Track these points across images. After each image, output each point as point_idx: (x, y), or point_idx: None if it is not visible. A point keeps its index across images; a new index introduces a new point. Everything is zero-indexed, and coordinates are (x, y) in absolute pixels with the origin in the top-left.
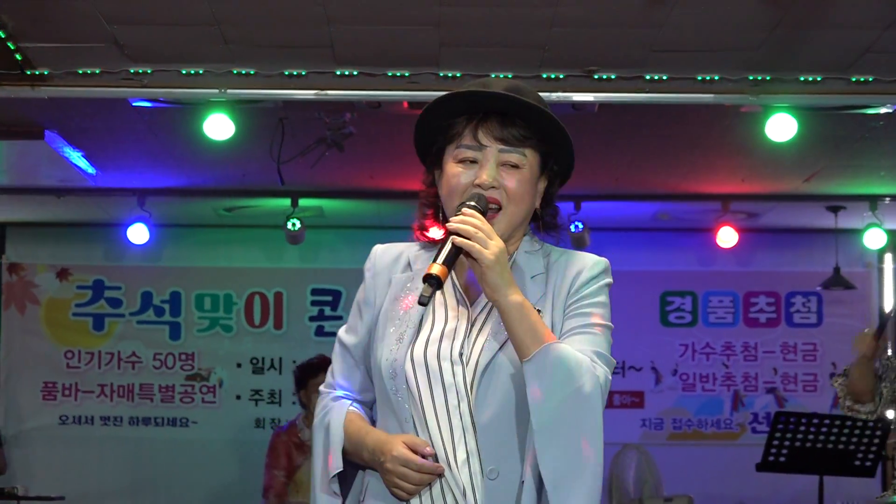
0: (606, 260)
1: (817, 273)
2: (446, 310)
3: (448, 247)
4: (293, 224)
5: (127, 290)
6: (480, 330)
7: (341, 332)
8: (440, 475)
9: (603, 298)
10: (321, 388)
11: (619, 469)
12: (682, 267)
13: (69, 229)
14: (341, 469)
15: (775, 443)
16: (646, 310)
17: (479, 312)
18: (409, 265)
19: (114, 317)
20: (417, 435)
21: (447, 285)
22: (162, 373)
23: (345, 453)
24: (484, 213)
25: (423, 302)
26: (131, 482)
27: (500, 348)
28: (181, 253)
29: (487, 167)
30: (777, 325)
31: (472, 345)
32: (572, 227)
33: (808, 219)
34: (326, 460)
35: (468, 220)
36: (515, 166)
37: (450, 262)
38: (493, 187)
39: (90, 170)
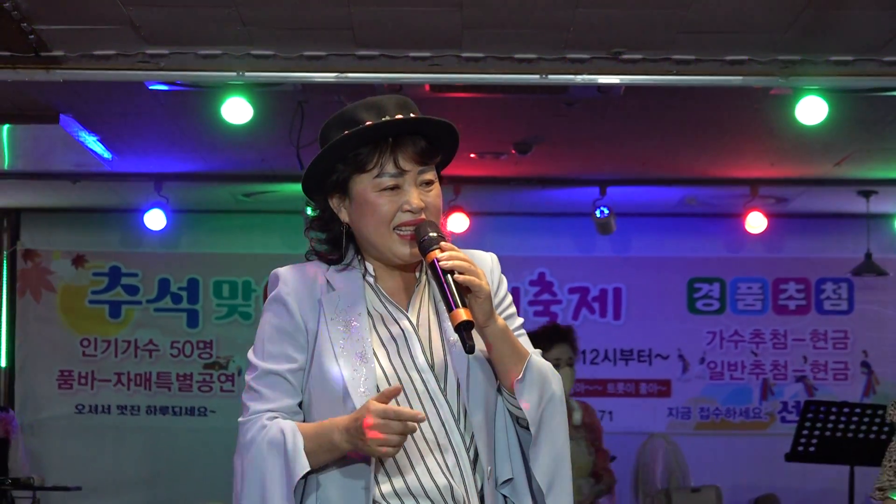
0: (495, 254)
1: (848, 259)
2: (386, 323)
3: (453, 287)
4: (313, 210)
5: (144, 277)
6: (430, 334)
7: (260, 362)
8: (420, 420)
9: (510, 295)
10: (241, 419)
11: (646, 459)
12: (709, 253)
13: (85, 215)
14: (309, 468)
15: (805, 432)
16: (673, 297)
17: (418, 316)
18: (329, 285)
19: (130, 304)
20: (402, 448)
21: (374, 297)
22: (179, 361)
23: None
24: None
25: (471, 350)
26: (149, 472)
27: (468, 355)
28: (199, 239)
29: (413, 191)
30: (807, 312)
31: (430, 351)
32: (597, 213)
33: (839, 203)
34: (286, 468)
35: (457, 256)
36: (430, 182)
37: (463, 300)
38: (421, 209)
39: (106, 154)
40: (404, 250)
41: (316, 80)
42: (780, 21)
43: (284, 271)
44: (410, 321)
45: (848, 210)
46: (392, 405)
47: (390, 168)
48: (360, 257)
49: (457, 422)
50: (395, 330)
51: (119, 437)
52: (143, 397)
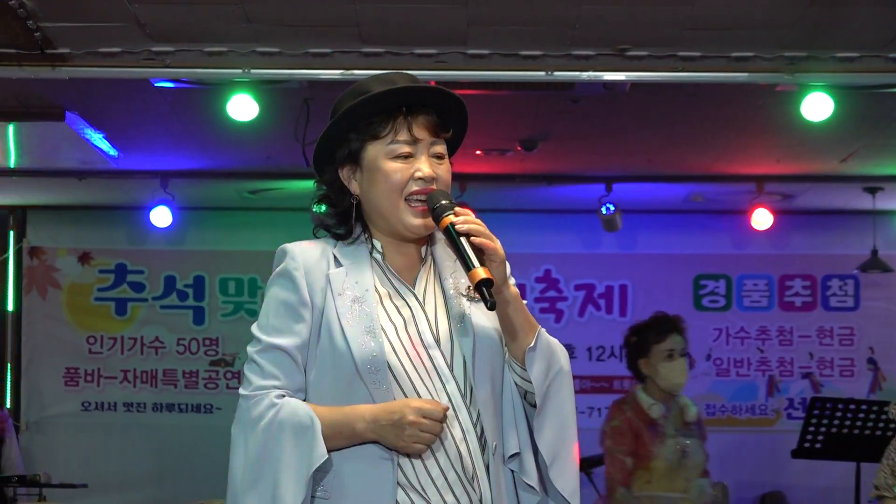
0: None
1: (854, 256)
2: (393, 299)
3: (468, 248)
4: (319, 207)
5: (150, 275)
6: (436, 311)
7: (265, 336)
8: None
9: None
10: (243, 391)
11: None
12: (715, 250)
13: (91, 212)
14: (327, 456)
15: (811, 429)
16: (679, 293)
17: (424, 294)
18: (336, 260)
19: (136, 301)
20: None
21: (381, 273)
22: (186, 358)
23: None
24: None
25: (493, 307)
26: (155, 469)
27: (474, 330)
28: (205, 236)
29: (424, 160)
30: (813, 308)
31: (436, 326)
32: (603, 210)
33: (845, 200)
34: (304, 452)
35: (472, 220)
36: (441, 156)
37: (481, 260)
38: (433, 178)
39: (112, 152)
40: (416, 221)
41: (322, 77)
42: (785, 17)
43: (291, 246)
44: (417, 298)
45: (854, 207)
46: (425, 402)
47: (404, 135)
48: (367, 234)
49: (464, 398)
50: (401, 306)
51: (125, 435)
52: (149, 394)
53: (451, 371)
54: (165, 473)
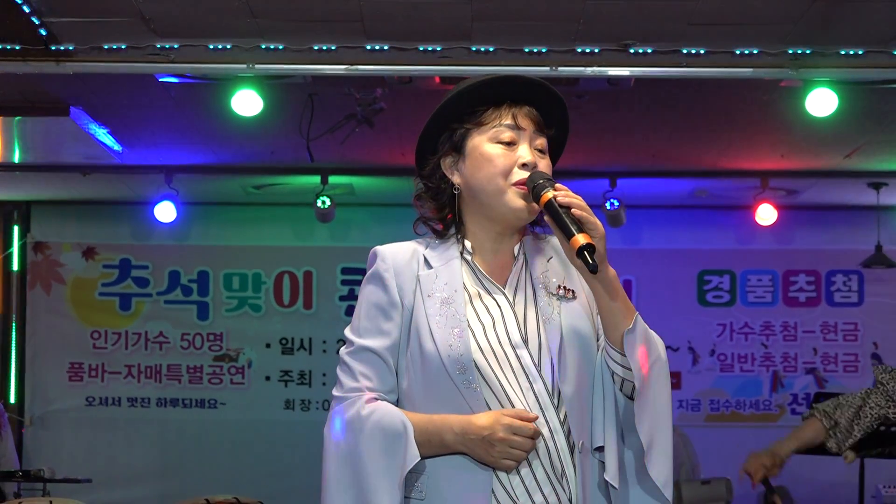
0: None
1: (858, 251)
2: (483, 299)
3: (569, 219)
4: (323, 202)
5: (154, 270)
6: (525, 311)
7: (356, 337)
8: (537, 436)
9: None
10: (336, 393)
11: None
12: (719, 245)
13: (95, 207)
14: (419, 458)
15: None
16: (683, 289)
17: (515, 295)
18: (427, 262)
19: (141, 296)
20: None
21: (470, 274)
22: (190, 353)
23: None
24: None
25: (596, 270)
26: (159, 464)
27: (562, 327)
28: (209, 231)
29: (528, 148)
30: (817, 304)
31: (525, 326)
32: (607, 205)
33: (850, 195)
34: (396, 455)
35: (571, 194)
36: (542, 151)
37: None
38: (535, 166)
39: (116, 147)
40: (521, 203)
41: (326, 72)
42: (790, 13)
43: (383, 248)
44: (507, 297)
45: (858, 202)
46: (515, 419)
47: (508, 121)
48: (459, 235)
49: (551, 397)
50: (491, 306)
51: (129, 430)
52: (154, 390)
53: (539, 370)
54: (169, 468)
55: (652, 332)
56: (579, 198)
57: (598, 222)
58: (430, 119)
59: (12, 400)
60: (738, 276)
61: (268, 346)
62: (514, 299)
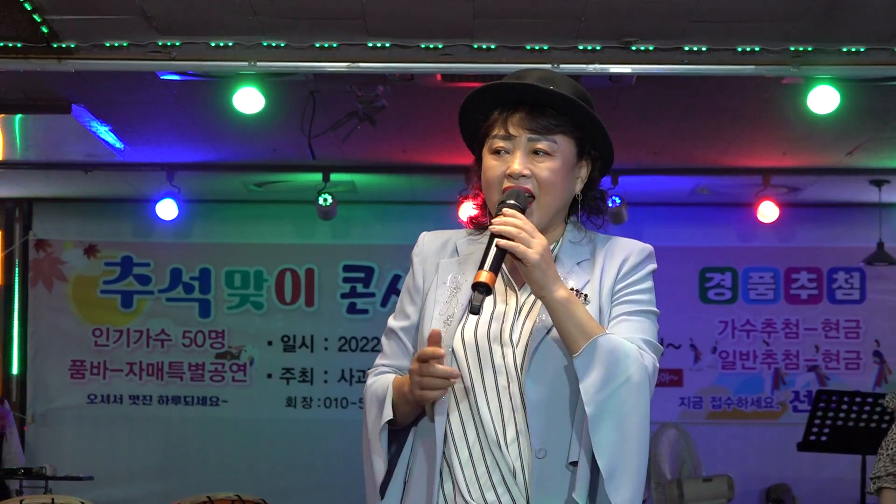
0: (651, 246)
1: (860, 248)
2: (494, 293)
3: (493, 251)
4: (324, 199)
5: (156, 267)
6: (528, 313)
7: (390, 319)
8: (456, 377)
9: (649, 284)
10: (368, 372)
11: (658, 448)
12: (721, 242)
13: (97, 205)
14: (391, 416)
15: (817, 422)
16: (685, 286)
17: (527, 297)
18: (455, 250)
19: (142, 294)
20: (469, 413)
21: None
22: (191, 351)
23: (394, 407)
24: (523, 211)
25: (475, 311)
26: (161, 462)
27: (549, 331)
28: (211, 229)
29: (517, 156)
30: (819, 301)
31: (521, 327)
32: (609, 202)
33: (851, 193)
34: (380, 416)
35: (509, 221)
36: (546, 154)
37: (496, 267)
38: (523, 175)
39: (118, 144)
40: None
41: (328, 69)
42: (791, 10)
43: (425, 234)
44: (518, 297)
45: (860, 199)
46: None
47: (499, 131)
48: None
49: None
50: (498, 302)
51: (131, 427)
52: (155, 387)
53: (519, 371)
54: (171, 466)
55: (625, 350)
56: (517, 225)
57: (529, 252)
58: (460, 126)
59: (14, 398)
60: (739, 274)
61: (269, 343)
62: (525, 299)
